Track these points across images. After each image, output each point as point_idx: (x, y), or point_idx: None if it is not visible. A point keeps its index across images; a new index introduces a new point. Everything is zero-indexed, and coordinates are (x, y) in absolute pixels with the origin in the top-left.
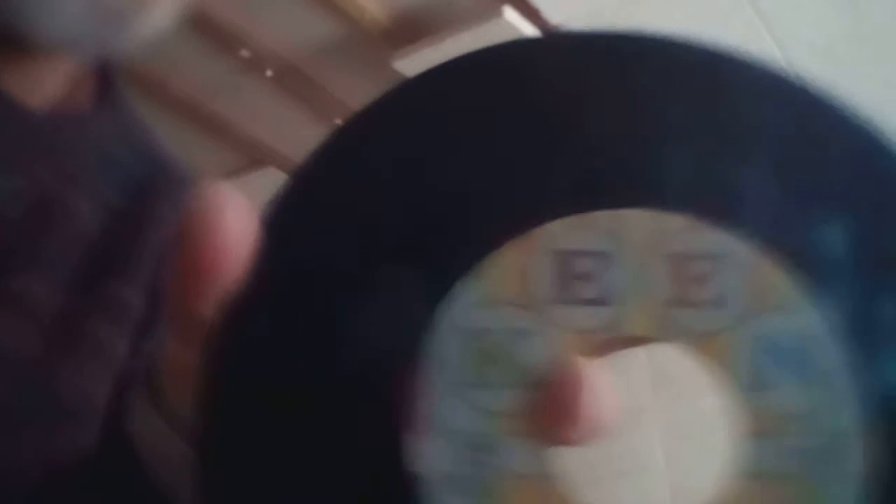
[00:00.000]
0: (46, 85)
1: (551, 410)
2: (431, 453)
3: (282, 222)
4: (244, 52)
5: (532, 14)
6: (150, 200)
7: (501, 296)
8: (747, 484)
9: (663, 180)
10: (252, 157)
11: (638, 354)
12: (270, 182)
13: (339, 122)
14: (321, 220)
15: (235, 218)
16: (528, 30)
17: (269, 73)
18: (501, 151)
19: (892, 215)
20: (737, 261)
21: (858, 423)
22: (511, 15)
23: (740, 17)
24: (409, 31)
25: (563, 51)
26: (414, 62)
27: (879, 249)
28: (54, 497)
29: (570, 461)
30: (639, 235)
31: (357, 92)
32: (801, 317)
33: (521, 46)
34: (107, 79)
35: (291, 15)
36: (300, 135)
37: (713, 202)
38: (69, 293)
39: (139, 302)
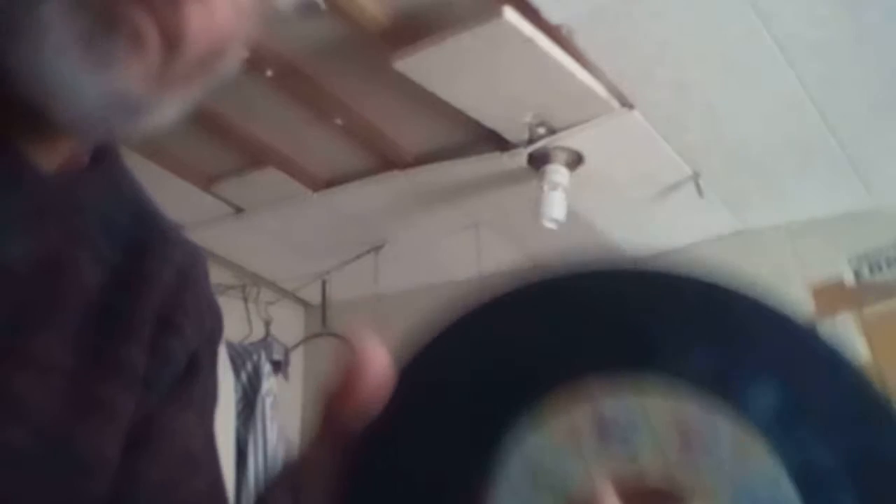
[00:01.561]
0: (58, 150)
1: None
2: None
3: (407, 374)
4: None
5: (532, 14)
6: (144, 259)
7: (559, 442)
8: None
9: (685, 374)
10: (252, 157)
11: None
12: (270, 182)
13: (339, 122)
14: (432, 376)
15: (380, 366)
16: (528, 30)
17: (269, 73)
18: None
19: (878, 444)
20: (729, 436)
21: None
22: (511, 15)
23: (740, 17)
24: (409, 31)
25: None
26: (414, 62)
27: (864, 459)
28: None
29: None
30: (661, 412)
31: (357, 92)
32: (775, 479)
33: (590, 273)
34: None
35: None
36: (300, 135)
37: (719, 393)
38: (80, 355)
39: (143, 361)
